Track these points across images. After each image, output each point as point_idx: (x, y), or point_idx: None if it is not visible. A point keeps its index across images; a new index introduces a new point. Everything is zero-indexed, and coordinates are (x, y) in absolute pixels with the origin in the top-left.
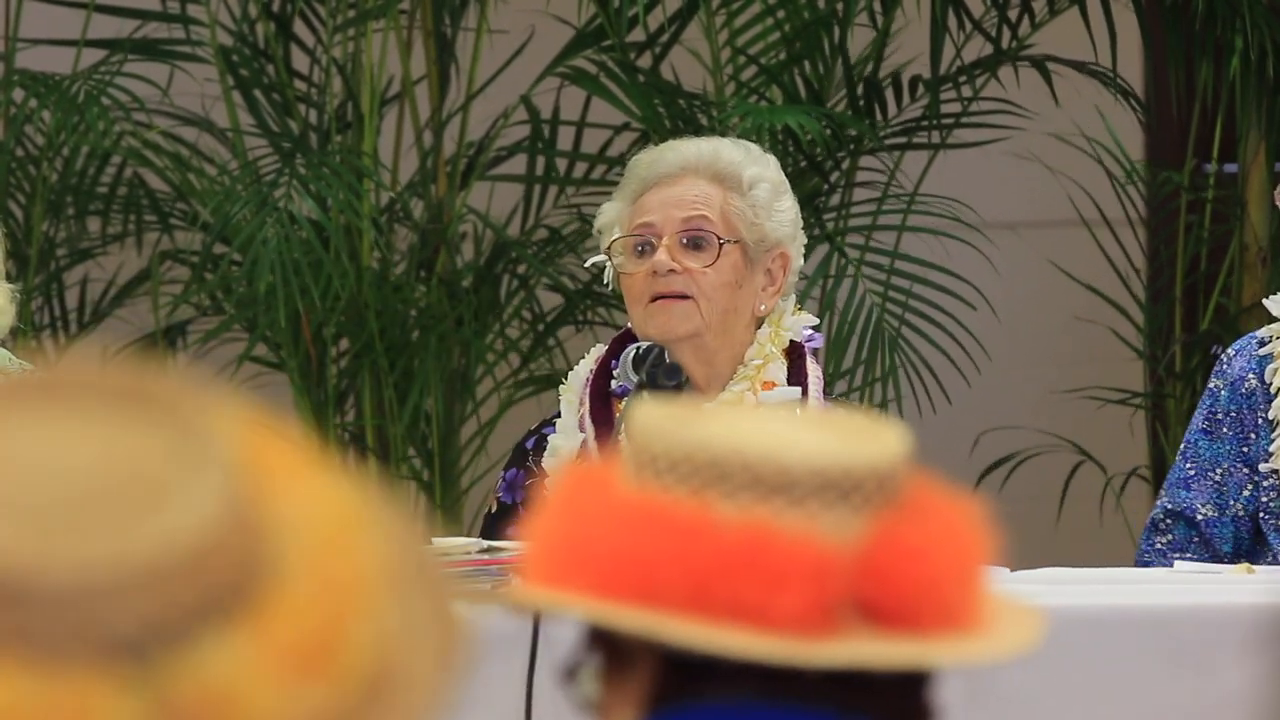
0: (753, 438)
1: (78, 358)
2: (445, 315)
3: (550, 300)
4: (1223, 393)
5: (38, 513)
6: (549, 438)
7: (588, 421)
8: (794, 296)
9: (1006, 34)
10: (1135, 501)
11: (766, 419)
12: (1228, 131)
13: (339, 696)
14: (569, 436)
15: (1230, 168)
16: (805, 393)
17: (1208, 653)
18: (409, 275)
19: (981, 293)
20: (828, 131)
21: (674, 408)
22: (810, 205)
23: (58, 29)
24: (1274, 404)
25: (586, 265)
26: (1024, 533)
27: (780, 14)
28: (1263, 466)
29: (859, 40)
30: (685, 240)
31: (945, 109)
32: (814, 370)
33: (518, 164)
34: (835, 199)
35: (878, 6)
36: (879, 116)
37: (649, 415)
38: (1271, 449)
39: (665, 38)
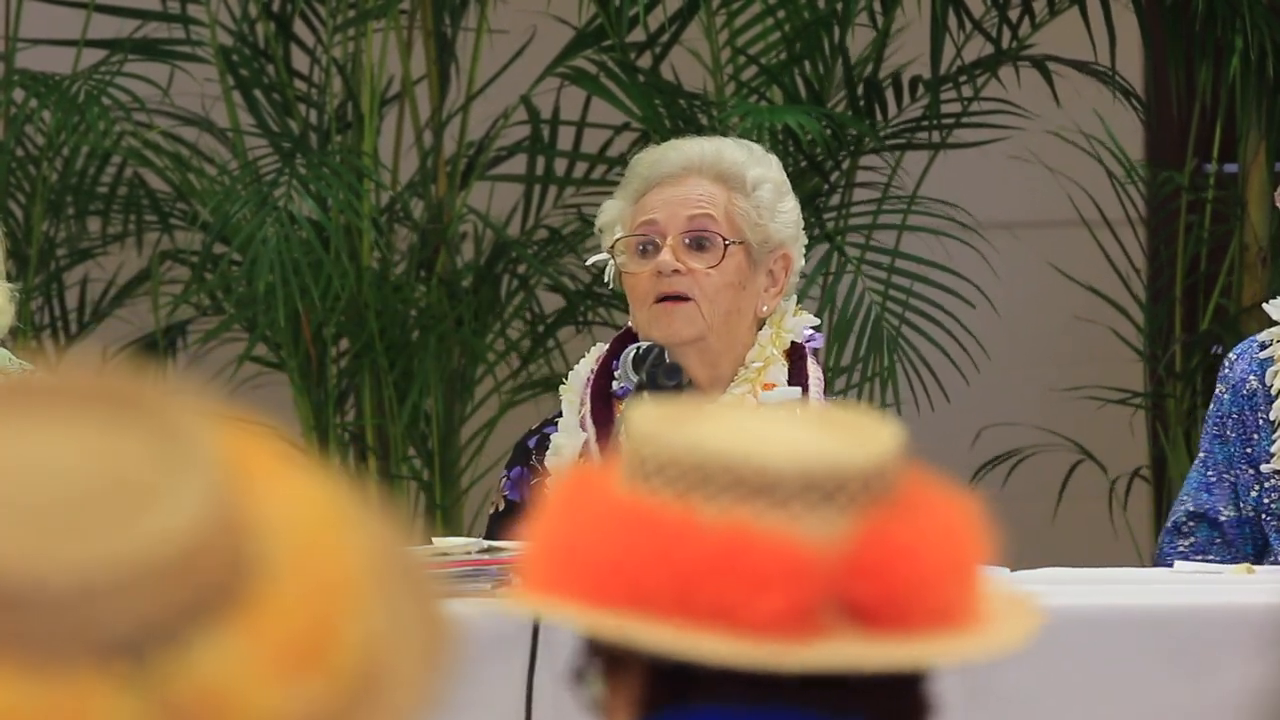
0: (737, 440)
1: (63, 363)
2: (445, 315)
3: (550, 301)
4: (1226, 396)
5: (29, 516)
6: (551, 436)
7: (589, 421)
8: (795, 296)
9: (1006, 34)
10: (1135, 501)
11: (758, 420)
12: (1228, 131)
13: (329, 694)
14: (571, 436)
15: (1230, 168)
16: (806, 393)
17: (1208, 653)
18: (409, 275)
19: (982, 292)
20: (828, 131)
21: (667, 410)
22: (810, 205)
23: (58, 29)
24: (1275, 405)
25: (589, 264)
26: (1023, 532)
27: (780, 14)
28: (1264, 468)
29: (859, 40)
30: (689, 240)
31: (945, 109)
32: (815, 371)
33: (518, 164)
34: (835, 199)
35: (878, 6)
36: (879, 116)
37: (641, 418)
38: (1273, 449)
39: (665, 38)
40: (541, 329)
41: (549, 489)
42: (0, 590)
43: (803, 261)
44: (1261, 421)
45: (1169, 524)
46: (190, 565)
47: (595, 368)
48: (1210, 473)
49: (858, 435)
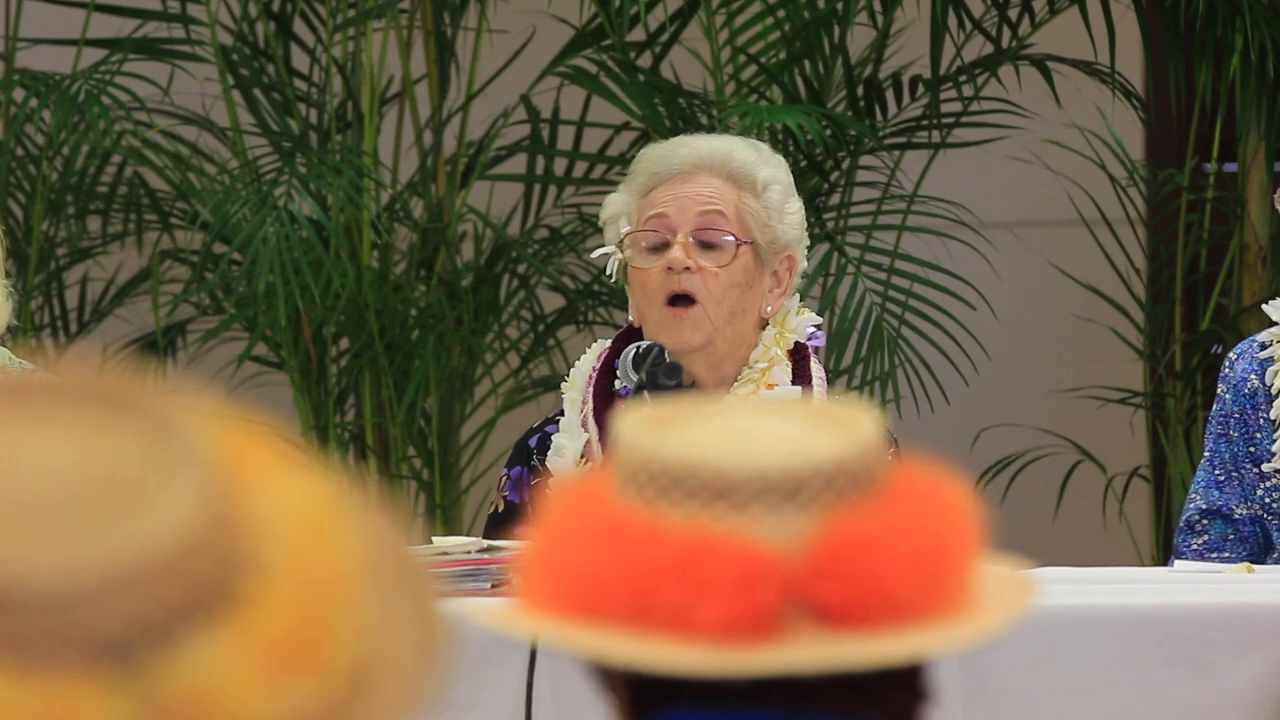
0: (704, 444)
1: (62, 362)
2: (445, 315)
3: (550, 300)
4: (1227, 396)
5: (18, 517)
6: (552, 436)
7: (590, 421)
8: (798, 296)
9: (1007, 33)
10: (1135, 501)
11: (740, 420)
12: (1227, 131)
13: (323, 693)
14: (572, 436)
15: (1230, 167)
16: (810, 393)
17: (1208, 653)
18: (409, 275)
19: (982, 292)
20: (827, 131)
21: (650, 415)
22: (810, 205)
23: (58, 28)
24: (1275, 404)
25: (594, 256)
26: (1023, 532)
27: (780, 13)
28: (1266, 467)
29: (859, 40)
30: (700, 238)
31: (945, 108)
32: (818, 371)
33: (518, 163)
34: (835, 198)
35: (878, 6)
36: (879, 116)
37: (623, 423)
38: (1274, 449)
39: (665, 37)
40: (541, 328)
41: (549, 496)
42: None
43: (805, 263)
44: (1263, 420)
45: (1182, 523)
46: (181, 565)
47: (597, 366)
48: (1218, 471)
49: (836, 429)
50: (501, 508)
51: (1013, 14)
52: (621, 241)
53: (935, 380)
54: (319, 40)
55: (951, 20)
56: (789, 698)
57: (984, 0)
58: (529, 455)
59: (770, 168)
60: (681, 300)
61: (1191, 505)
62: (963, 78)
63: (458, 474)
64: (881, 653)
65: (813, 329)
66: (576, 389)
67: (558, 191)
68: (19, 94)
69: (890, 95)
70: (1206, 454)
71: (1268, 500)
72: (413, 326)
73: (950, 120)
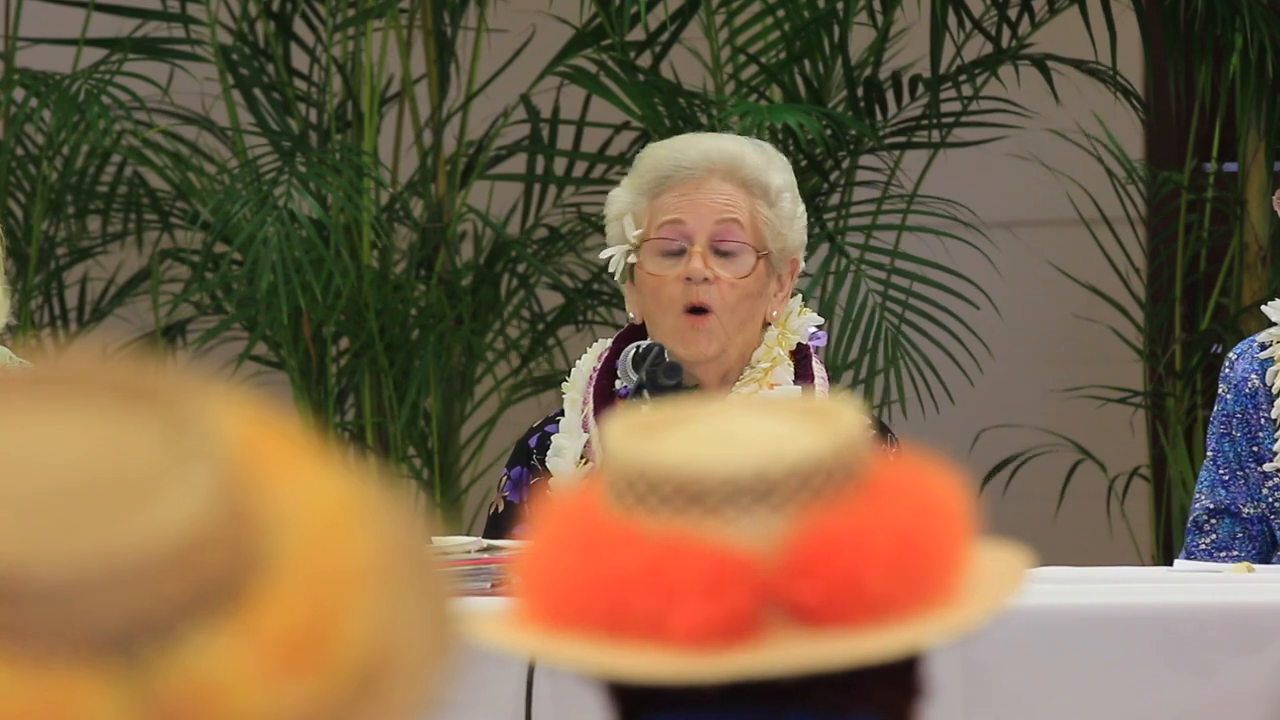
0: (682, 449)
1: (75, 353)
2: (445, 314)
3: (550, 299)
4: (1229, 396)
5: (26, 508)
6: (552, 436)
7: (591, 421)
8: (800, 297)
9: (1006, 33)
10: (1135, 501)
11: (725, 422)
12: (1227, 131)
13: (328, 691)
14: (572, 436)
15: (1230, 167)
16: (812, 392)
17: (1208, 653)
18: (409, 274)
19: (983, 291)
20: (827, 131)
21: (635, 422)
22: (810, 204)
23: (58, 28)
24: (1276, 404)
25: (602, 256)
26: (1023, 532)
27: (780, 13)
28: (1267, 466)
29: (859, 40)
30: (718, 247)
31: (945, 108)
32: (820, 371)
33: (517, 163)
34: (835, 198)
35: (878, 6)
36: (879, 116)
37: (608, 432)
38: (1275, 448)
39: (665, 37)
40: (541, 327)
41: (545, 502)
42: None
43: (803, 263)
44: (1264, 420)
45: (1190, 523)
46: (187, 560)
47: (598, 366)
48: (1222, 471)
49: (819, 427)
50: (501, 507)
51: (1012, 14)
52: (638, 246)
53: (940, 380)
54: (319, 40)
55: (951, 20)
56: (771, 698)
57: (984, 0)
58: (529, 455)
59: (780, 173)
60: (697, 310)
61: (1198, 505)
62: (962, 77)
63: (458, 474)
64: (860, 650)
65: (814, 329)
66: (577, 389)
67: (557, 191)
68: (19, 94)
69: (890, 95)
70: (1209, 454)
71: (1271, 500)
72: (413, 326)
73: (950, 120)
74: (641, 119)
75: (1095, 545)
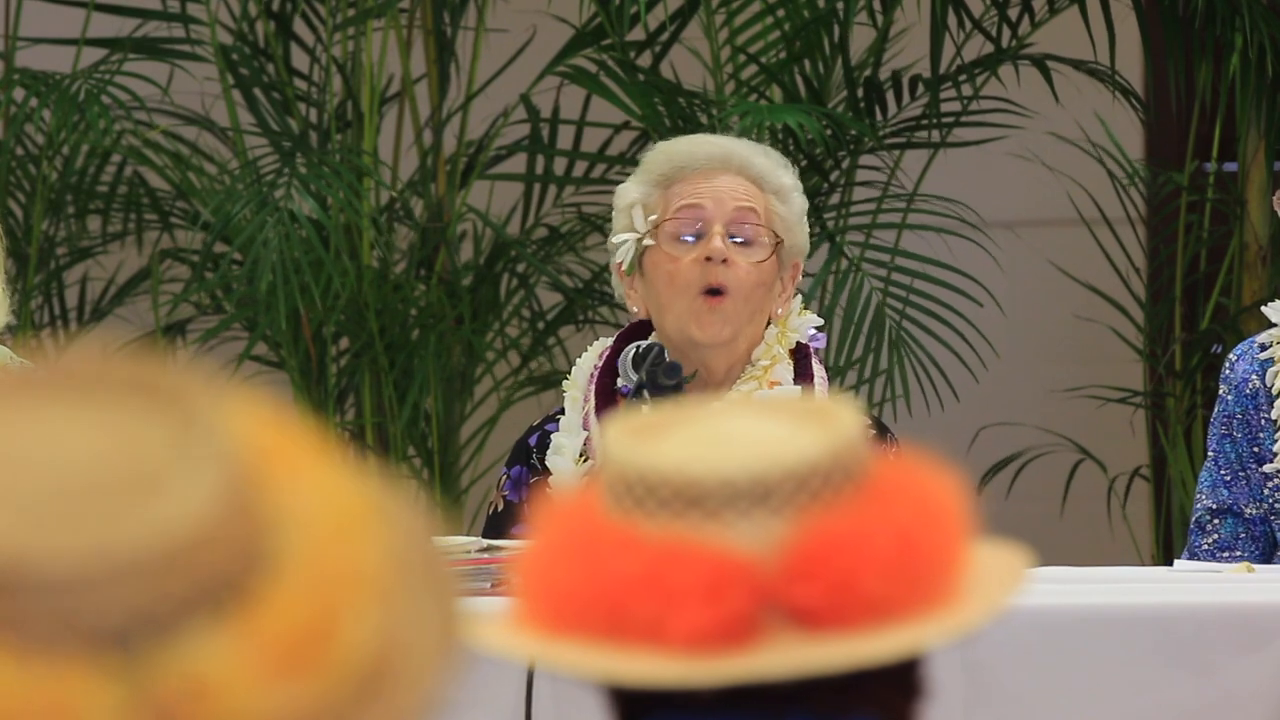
0: (680, 452)
1: (85, 351)
2: (445, 314)
3: (550, 299)
4: (1229, 396)
5: (32, 503)
6: (552, 435)
7: (592, 420)
8: (800, 297)
9: (1006, 33)
10: (1136, 501)
11: (724, 424)
12: (1227, 130)
13: (326, 692)
14: (573, 435)
15: (1230, 167)
16: (812, 391)
17: (1208, 653)
18: (409, 274)
19: (986, 289)
20: (827, 131)
21: (628, 426)
22: (810, 204)
23: (58, 28)
24: (1277, 405)
25: (613, 241)
26: (1024, 532)
27: (780, 13)
28: (1268, 468)
29: (859, 39)
30: (736, 233)
31: (945, 108)
32: (819, 371)
33: (517, 163)
34: (835, 198)
35: (878, 6)
36: (879, 115)
37: (606, 435)
38: (1276, 449)
39: (665, 36)
40: (541, 327)
41: (545, 505)
42: None
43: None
44: (1264, 421)
45: (1192, 524)
46: (189, 557)
47: (599, 365)
48: (1224, 471)
49: (817, 428)
50: (501, 507)
51: (1012, 14)
52: (652, 232)
53: (945, 378)
54: (319, 40)
55: (951, 20)
56: (771, 701)
57: (984, 0)
58: (529, 454)
59: (790, 176)
60: (713, 291)
61: (1200, 505)
62: (962, 77)
63: (458, 474)
64: (859, 652)
65: (814, 330)
66: (578, 387)
67: (557, 191)
68: (19, 93)
69: (890, 95)
70: (1211, 454)
71: (1272, 500)
72: (413, 326)
73: (950, 120)
74: (641, 119)
75: (1095, 545)
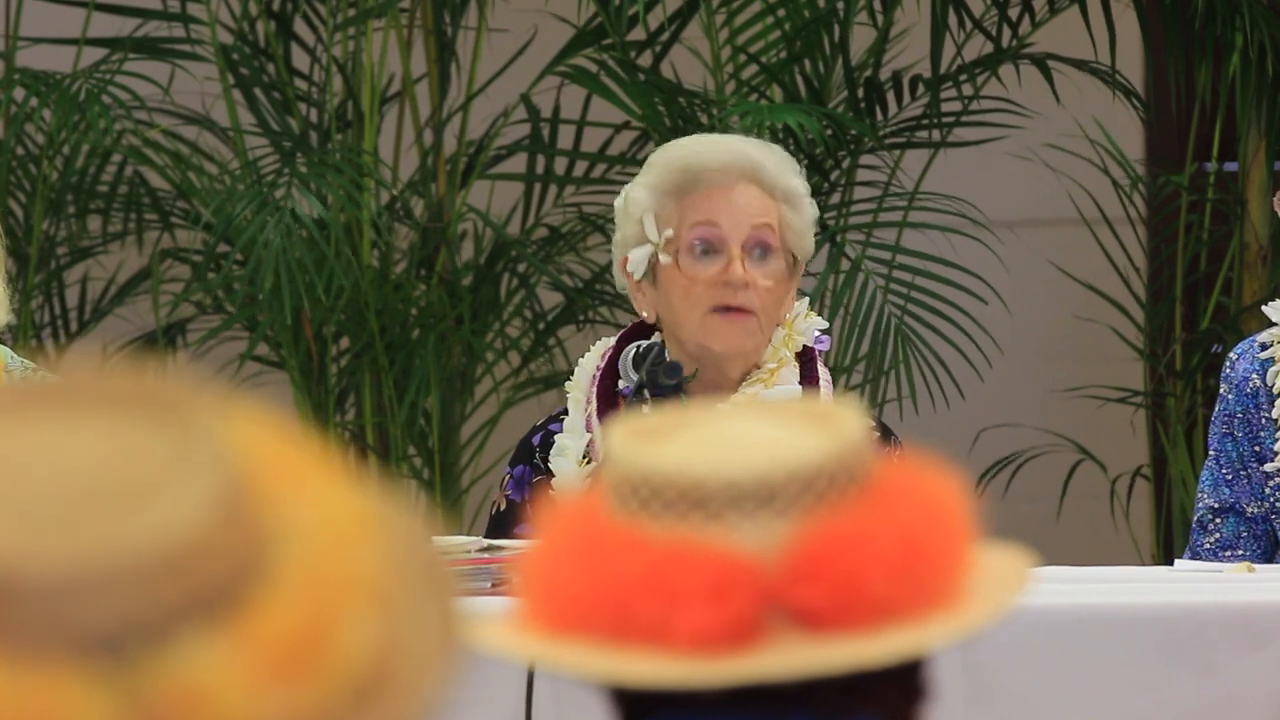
0: (684, 454)
1: (89, 363)
2: (445, 314)
3: (550, 299)
4: (1230, 396)
5: (27, 509)
6: (556, 436)
7: (594, 421)
8: (806, 299)
9: (1007, 32)
10: (1136, 501)
11: (727, 426)
12: (1227, 130)
13: (324, 698)
14: (576, 436)
15: (1230, 166)
16: (816, 394)
17: (1208, 653)
18: (409, 274)
19: (989, 284)
20: (828, 131)
21: (632, 427)
22: None
23: (58, 28)
24: (1277, 404)
25: (631, 256)
26: (1024, 532)
27: (780, 13)
28: (1268, 467)
29: (860, 39)
30: (752, 252)
31: (946, 107)
32: (824, 373)
33: (518, 163)
34: (835, 198)
35: (878, 6)
36: (879, 115)
37: (609, 437)
38: (1277, 449)
39: (665, 36)
40: (542, 327)
41: (547, 506)
42: None
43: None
44: (1265, 420)
45: (1194, 523)
46: (183, 565)
47: (601, 365)
48: (1225, 470)
49: (821, 430)
50: (504, 507)
51: (1013, 13)
52: (666, 244)
53: (950, 375)
54: (319, 39)
55: (952, 19)
56: (775, 702)
57: (984, 0)
58: (532, 454)
59: (797, 177)
60: (734, 310)
61: (1201, 504)
62: (963, 77)
63: (458, 474)
64: (862, 654)
65: (819, 333)
66: (581, 388)
67: (558, 191)
68: (19, 93)
69: (891, 95)
70: (1212, 453)
71: (1273, 499)
72: (413, 326)
73: (950, 119)
74: (642, 119)
75: (1096, 545)
